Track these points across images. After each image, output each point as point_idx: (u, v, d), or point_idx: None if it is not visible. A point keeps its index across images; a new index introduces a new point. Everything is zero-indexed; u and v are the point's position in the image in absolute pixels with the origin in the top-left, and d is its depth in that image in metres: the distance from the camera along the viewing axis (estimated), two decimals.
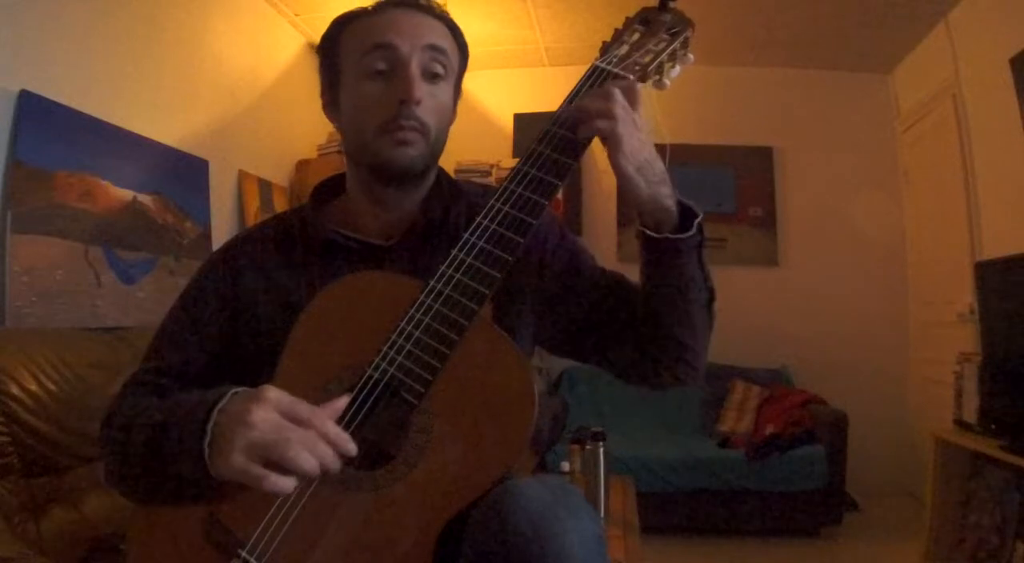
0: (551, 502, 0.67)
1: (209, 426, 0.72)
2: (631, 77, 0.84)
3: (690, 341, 0.90)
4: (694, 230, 0.85)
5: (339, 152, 0.94)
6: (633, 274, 0.96)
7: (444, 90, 0.93)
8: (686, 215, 0.86)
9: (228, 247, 0.99)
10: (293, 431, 0.68)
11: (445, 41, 0.92)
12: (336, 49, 0.94)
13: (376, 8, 0.92)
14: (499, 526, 0.65)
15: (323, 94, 0.98)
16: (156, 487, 0.79)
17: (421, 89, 0.88)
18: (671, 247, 0.85)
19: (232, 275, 0.94)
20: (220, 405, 0.73)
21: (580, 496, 0.75)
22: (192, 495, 0.77)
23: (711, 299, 0.91)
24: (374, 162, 0.90)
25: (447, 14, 0.96)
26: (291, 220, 0.99)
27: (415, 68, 0.88)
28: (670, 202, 0.84)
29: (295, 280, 0.93)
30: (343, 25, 0.94)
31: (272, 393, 0.71)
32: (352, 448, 0.70)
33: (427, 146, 0.90)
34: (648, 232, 0.85)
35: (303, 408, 0.70)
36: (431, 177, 0.98)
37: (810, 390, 3.46)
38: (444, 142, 0.95)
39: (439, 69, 0.91)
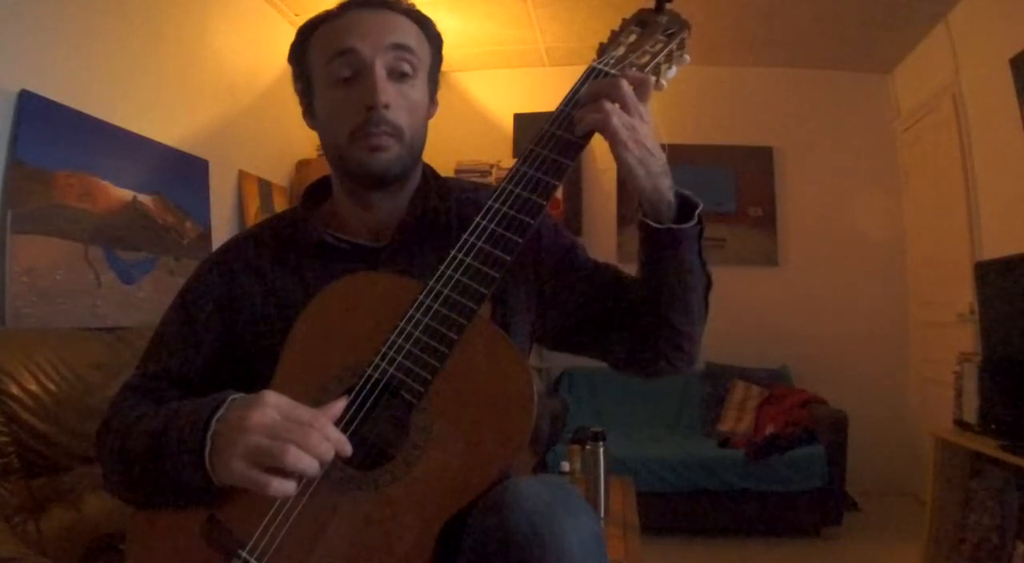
0: (550, 501, 0.67)
1: (208, 434, 0.72)
2: (649, 74, 0.84)
3: (687, 328, 0.90)
4: (695, 220, 0.86)
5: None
6: (633, 272, 0.96)
7: (415, 88, 0.91)
8: (685, 205, 0.87)
9: (223, 250, 0.99)
10: (291, 433, 0.68)
11: (410, 38, 0.90)
12: (305, 58, 0.93)
13: (338, 11, 0.90)
14: (498, 525, 0.65)
15: (301, 103, 0.97)
16: (155, 492, 0.79)
17: (387, 93, 0.86)
18: (672, 237, 0.85)
19: (228, 278, 0.94)
20: (219, 413, 0.73)
21: (579, 495, 0.75)
22: (192, 499, 0.77)
23: (708, 286, 0.92)
24: (351, 169, 0.90)
25: (413, 7, 0.93)
26: (284, 223, 0.99)
27: (379, 70, 0.87)
28: (670, 194, 0.85)
29: (291, 282, 0.93)
30: (308, 32, 0.93)
31: (271, 398, 0.72)
32: (348, 448, 0.71)
33: (402, 148, 0.89)
34: (650, 222, 0.85)
35: (302, 411, 0.71)
36: (416, 176, 0.97)
37: (810, 390, 3.46)
38: (423, 139, 0.94)
39: (406, 68, 0.89)
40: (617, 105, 0.79)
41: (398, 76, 0.89)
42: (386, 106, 0.86)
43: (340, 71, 0.88)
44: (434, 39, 0.95)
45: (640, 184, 0.83)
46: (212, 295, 0.93)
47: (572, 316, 0.97)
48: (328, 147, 0.93)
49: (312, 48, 0.92)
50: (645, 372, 0.96)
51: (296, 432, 0.69)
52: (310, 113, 0.96)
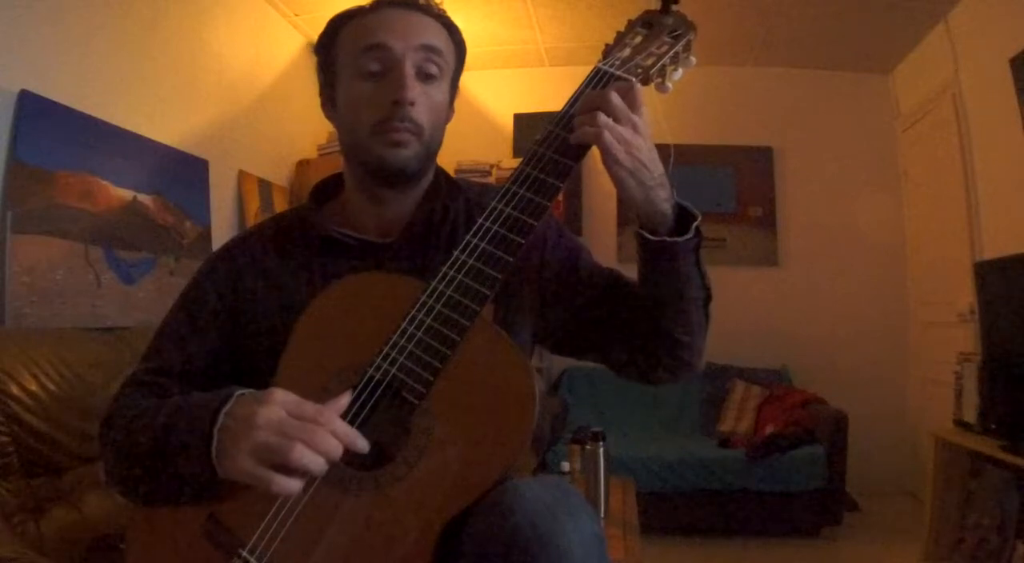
0: (551, 502, 0.67)
1: (216, 429, 0.72)
2: (633, 79, 0.83)
3: (687, 339, 0.90)
4: (691, 233, 0.85)
5: (340, 152, 0.97)
6: (632, 274, 0.96)
7: (439, 89, 0.93)
8: (684, 216, 0.86)
9: (227, 247, 0.99)
10: (299, 431, 0.69)
11: (440, 41, 0.92)
12: (333, 49, 0.94)
13: (372, 7, 0.93)
14: (499, 526, 0.65)
15: (321, 93, 0.98)
16: (158, 488, 0.79)
17: (414, 90, 0.88)
18: (667, 249, 0.84)
19: (232, 275, 0.94)
20: (226, 408, 0.73)
21: (580, 496, 0.75)
22: (195, 495, 0.77)
23: (708, 299, 0.91)
24: (368, 162, 0.91)
25: (444, 12, 0.96)
26: (290, 219, 1.00)
27: (408, 68, 0.88)
28: (666, 206, 0.84)
29: (295, 279, 0.93)
30: (340, 24, 0.94)
31: (279, 395, 0.72)
32: (363, 443, 0.71)
33: (421, 146, 0.90)
34: (645, 234, 0.85)
35: (309, 408, 0.71)
36: (428, 175, 0.98)
37: (810, 390, 3.46)
38: (440, 141, 0.95)
39: (433, 69, 0.91)
40: (611, 118, 0.78)
41: (424, 77, 0.91)
42: (412, 103, 0.87)
43: (369, 65, 0.89)
44: (459, 45, 0.97)
45: (632, 196, 0.82)
46: (216, 291, 0.94)
47: (573, 320, 0.97)
48: (346, 138, 0.94)
49: (341, 40, 0.93)
50: (645, 379, 0.95)
51: (303, 430, 0.69)
52: (330, 104, 0.97)
